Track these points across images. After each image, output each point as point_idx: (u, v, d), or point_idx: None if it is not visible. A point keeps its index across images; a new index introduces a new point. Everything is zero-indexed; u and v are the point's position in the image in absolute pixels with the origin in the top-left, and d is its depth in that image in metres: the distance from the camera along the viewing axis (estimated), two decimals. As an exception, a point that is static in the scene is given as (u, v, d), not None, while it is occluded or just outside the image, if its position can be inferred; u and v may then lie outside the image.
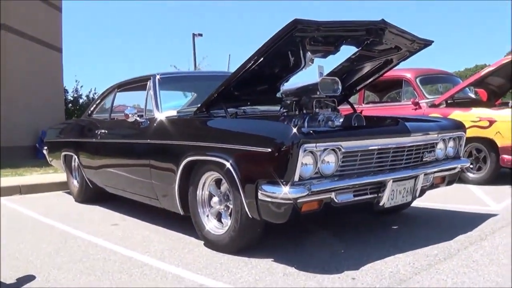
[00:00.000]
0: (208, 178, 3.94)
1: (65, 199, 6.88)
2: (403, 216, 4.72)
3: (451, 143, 4.36)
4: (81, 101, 19.48)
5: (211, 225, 3.93)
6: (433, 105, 7.32)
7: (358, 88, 5.20)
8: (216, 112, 4.34)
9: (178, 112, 4.68)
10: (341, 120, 4.09)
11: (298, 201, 3.19)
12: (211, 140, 3.77)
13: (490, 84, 7.74)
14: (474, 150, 6.66)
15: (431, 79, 8.37)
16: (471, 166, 6.64)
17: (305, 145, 3.15)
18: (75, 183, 6.67)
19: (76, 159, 6.33)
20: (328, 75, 4.79)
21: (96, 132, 5.69)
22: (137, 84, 5.56)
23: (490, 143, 6.41)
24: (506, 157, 6.20)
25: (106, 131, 5.55)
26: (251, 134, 3.52)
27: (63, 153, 6.70)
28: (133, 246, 4.15)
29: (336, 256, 3.61)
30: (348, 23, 3.79)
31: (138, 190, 4.96)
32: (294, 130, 3.19)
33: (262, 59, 3.85)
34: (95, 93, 20.01)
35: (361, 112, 5.03)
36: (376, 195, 3.67)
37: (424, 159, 4.05)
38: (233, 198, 3.61)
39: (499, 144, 6.25)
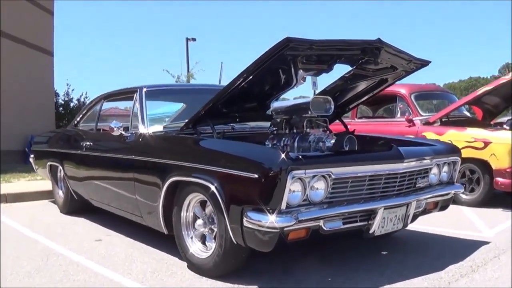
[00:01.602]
0: (193, 200, 3.81)
1: (50, 209, 6.74)
2: (393, 240, 4.60)
3: (445, 168, 4.26)
4: (72, 104, 19.25)
5: (195, 248, 3.80)
6: (427, 123, 7.23)
7: (351, 106, 5.10)
8: (203, 129, 4.22)
9: (164, 127, 4.55)
10: (332, 141, 3.98)
11: (285, 229, 3.07)
12: (196, 161, 3.64)
13: (486, 103, 7.67)
14: (467, 171, 6.55)
15: (426, 95, 8.29)
16: (464, 187, 6.53)
17: (294, 172, 3.03)
18: (60, 194, 6.54)
19: (62, 170, 6.19)
20: (320, 93, 4.70)
21: (82, 144, 5.57)
22: (124, 95, 5.45)
23: (484, 165, 6.31)
24: (500, 180, 6.10)
25: (92, 143, 5.42)
26: (237, 157, 3.39)
27: (49, 163, 6.57)
28: (115, 266, 4.02)
29: (322, 283, 3.49)
30: (342, 42, 3.68)
31: (123, 205, 4.84)
32: (282, 155, 3.07)
33: (251, 77, 3.74)
34: (86, 97, 19.81)
35: (353, 132, 4.96)
36: (366, 222, 3.55)
37: (417, 185, 3.94)
38: (217, 221, 3.49)
39: (494, 167, 6.16)
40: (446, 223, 5.21)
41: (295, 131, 4.29)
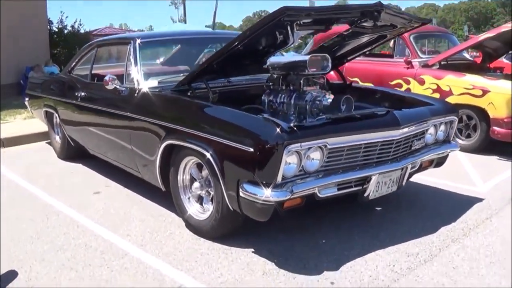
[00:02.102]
0: (189, 162, 3.83)
1: (47, 155, 6.73)
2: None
3: (442, 127, 4.25)
4: (66, 31, 18.79)
5: (193, 210, 3.87)
6: (426, 65, 7.14)
7: (349, 58, 5.01)
8: (198, 85, 4.15)
9: (159, 82, 4.47)
10: (330, 100, 3.94)
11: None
12: (191, 126, 3.62)
13: (487, 47, 7.53)
14: (464, 116, 6.53)
15: (427, 36, 8.13)
16: (460, 132, 6.57)
17: (290, 146, 3.03)
18: (57, 139, 6.55)
19: (57, 117, 6.16)
20: (317, 50, 4.62)
21: (76, 93, 5.50)
22: (117, 45, 5.33)
23: (481, 113, 6.28)
24: (497, 129, 6.11)
25: (86, 94, 5.36)
26: (233, 127, 3.35)
27: (44, 109, 6.53)
28: (114, 226, 4.09)
29: (316, 248, 3.58)
30: (341, 8, 3.56)
31: (119, 156, 4.88)
32: (278, 130, 3.06)
33: (248, 40, 3.64)
34: (80, 24, 19.37)
35: (350, 84, 4.91)
36: (361, 187, 3.59)
37: (413, 148, 3.95)
38: (214, 187, 3.53)
39: (491, 115, 6.14)
40: (441, 173, 5.20)
41: (291, 88, 4.24)
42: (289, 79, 4.21)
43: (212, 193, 3.66)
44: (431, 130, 4.13)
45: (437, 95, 6.66)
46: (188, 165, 3.85)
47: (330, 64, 4.05)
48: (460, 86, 6.42)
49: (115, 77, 4.66)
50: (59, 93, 6.11)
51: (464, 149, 6.49)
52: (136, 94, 4.43)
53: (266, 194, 3.05)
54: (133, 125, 4.35)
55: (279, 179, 3.06)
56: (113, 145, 4.86)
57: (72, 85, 5.78)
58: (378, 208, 4.38)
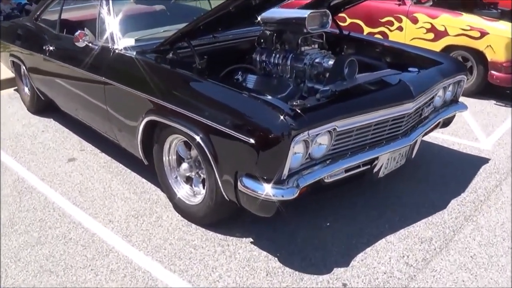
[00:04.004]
0: (175, 140, 3.41)
1: (16, 107, 6.12)
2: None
3: (450, 88, 3.88)
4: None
5: (183, 192, 3.49)
6: (419, 2, 6.63)
7: (346, 7, 4.51)
8: (180, 48, 3.64)
9: (136, 40, 3.92)
10: (330, 62, 3.51)
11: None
12: (177, 103, 3.14)
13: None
14: (460, 58, 6.12)
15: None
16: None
17: (298, 137, 2.63)
18: (26, 91, 5.98)
19: (25, 70, 5.57)
20: (315, 3, 4.11)
21: (44, 47, 4.88)
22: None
23: (478, 55, 5.89)
24: (495, 73, 5.75)
25: (55, 48, 4.76)
26: (229, 111, 2.90)
27: (11, 59, 5.89)
28: (95, 209, 3.71)
29: (321, 235, 3.27)
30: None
31: (92, 118, 4.41)
32: (282, 117, 2.63)
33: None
34: None
35: (348, 35, 4.44)
36: (369, 166, 3.25)
37: (422, 116, 3.58)
38: (206, 173, 3.14)
39: (489, 58, 5.76)
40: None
41: (286, 47, 3.79)
42: (285, 37, 3.77)
43: (203, 176, 3.28)
44: (440, 92, 3.76)
45: (431, 35, 6.22)
46: (174, 143, 3.43)
47: (330, 21, 3.61)
48: (456, 27, 5.97)
49: (86, 32, 4.09)
50: (25, 44, 5.44)
51: (460, 92, 6.15)
52: (111, 55, 3.89)
53: (269, 191, 2.67)
54: (109, 90, 3.85)
55: (285, 173, 2.68)
56: (85, 103, 4.35)
57: (39, 36, 5.15)
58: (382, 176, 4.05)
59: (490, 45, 5.68)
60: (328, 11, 3.62)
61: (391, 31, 6.65)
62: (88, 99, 4.25)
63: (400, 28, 6.55)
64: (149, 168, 3.73)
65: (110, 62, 3.87)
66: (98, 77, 3.92)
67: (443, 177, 4.01)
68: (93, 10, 4.38)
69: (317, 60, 3.58)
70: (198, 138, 2.99)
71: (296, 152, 2.71)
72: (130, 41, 3.91)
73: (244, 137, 2.70)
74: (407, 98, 3.19)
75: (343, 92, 3.07)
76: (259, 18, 3.81)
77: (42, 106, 5.71)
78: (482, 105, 5.85)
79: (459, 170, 4.15)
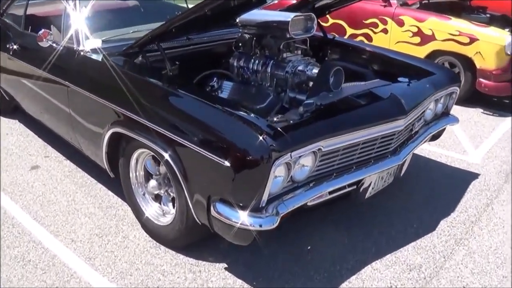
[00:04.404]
0: (142, 154, 3.10)
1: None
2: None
3: (441, 100, 3.63)
4: None
5: (151, 211, 3.19)
6: (405, 4, 6.38)
7: (331, 10, 4.23)
8: (150, 51, 3.33)
9: (104, 41, 3.58)
10: (315, 70, 3.23)
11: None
12: (143, 114, 2.83)
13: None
14: (447, 64, 5.91)
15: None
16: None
17: (279, 160, 2.34)
18: (-11, 88, 5.57)
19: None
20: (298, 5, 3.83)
21: (8, 45, 4.51)
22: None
23: (467, 62, 5.67)
24: (484, 81, 5.54)
25: (19, 47, 4.39)
26: (202, 128, 2.59)
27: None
28: (56, 225, 3.39)
29: (302, 259, 3.02)
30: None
31: (55, 123, 4.07)
32: (262, 137, 2.34)
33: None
34: None
35: (333, 38, 4.17)
36: (355, 186, 2.98)
37: (413, 131, 3.33)
38: (176, 192, 2.83)
39: (478, 66, 5.54)
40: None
41: (267, 53, 3.49)
42: (265, 42, 3.47)
43: (172, 194, 2.98)
44: (431, 105, 3.51)
45: (417, 39, 5.99)
46: (141, 157, 3.12)
47: (315, 25, 3.33)
48: (445, 31, 5.74)
49: (52, 31, 3.76)
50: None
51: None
52: (75, 57, 3.55)
53: (246, 220, 2.39)
54: (73, 93, 3.52)
55: (264, 199, 2.40)
56: (48, 105, 4.01)
57: (4, 33, 4.77)
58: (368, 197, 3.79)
59: (479, 52, 5.47)
60: (313, 14, 3.35)
61: (375, 33, 6.40)
62: (51, 101, 3.91)
63: (384, 31, 6.30)
64: (116, 180, 3.41)
65: (75, 65, 3.54)
66: (62, 81, 3.58)
67: (432, 194, 3.78)
68: (61, 5, 4.03)
69: (300, 68, 3.30)
70: (166, 156, 2.69)
71: (277, 175, 2.43)
72: (96, 42, 3.58)
73: (218, 158, 2.40)
74: (399, 114, 2.93)
75: (328, 106, 2.79)
76: (237, 20, 3.52)
77: (7, 107, 5.33)
78: (469, 113, 5.64)
79: (448, 186, 3.92)
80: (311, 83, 3.24)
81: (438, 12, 6.06)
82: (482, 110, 5.73)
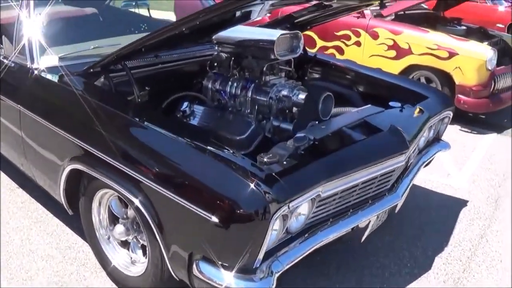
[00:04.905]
0: (107, 195, 2.69)
1: None
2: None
3: (434, 125, 3.36)
4: None
5: (119, 260, 2.78)
6: (379, 15, 6.12)
7: (313, 25, 3.92)
8: (115, 71, 2.92)
9: (61, 59, 3.13)
10: (301, 96, 2.88)
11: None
12: (107, 150, 2.42)
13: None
14: (423, 79, 5.70)
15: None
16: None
17: (277, 213, 1.98)
18: None
19: None
20: (280, 21, 3.50)
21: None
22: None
23: (445, 77, 5.46)
24: (463, 98, 5.34)
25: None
26: (179, 172, 2.21)
27: None
28: (11, 271, 2.94)
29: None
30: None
31: (7, 150, 3.58)
32: (252, 185, 1.98)
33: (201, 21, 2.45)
34: None
35: (315, 57, 3.85)
36: (350, 230, 2.65)
37: (408, 163, 3.03)
38: (148, 242, 2.45)
39: (457, 82, 5.34)
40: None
41: (247, 75, 3.11)
42: (245, 63, 3.09)
43: (143, 242, 2.59)
44: (426, 133, 3.23)
45: (392, 53, 5.75)
46: (105, 198, 2.71)
47: (301, 45, 3.00)
48: (422, 45, 5.53)
49: (1, 44, 3.30)
50: None
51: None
52: (28, 76, 3.10)
53: (237, 283, 2.02)
54: (26, 120, 3.07)
55: (259, 259, 2.04)
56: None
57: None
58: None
59: (459, 67, 5.26)
60: (300, 32, 3.02)
61: (347, 46, 6.14)
62: (1, 120, 3.43)
63: (357, 43, 6.04)
64: (75, 216, 2.99)
65: (28, 86, 3.09)
66: (14, 105, 3.13)
67: (422, 227, 3.51)
68: (15, 10, 3.54)
69: (284, 93, 2.94)
70: (136, 202, 2.30)
71: (273, 229, 2.07)
72: (52, 60, 3.14)
73: (202, 211, 2.03)
74: (402, 149, 2.63)
75: (323, 141, 2.46)
76: (213, 38, 3.14)
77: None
78: (447, 131, 5.39)
79: (438, 216, 3.67)
80: (296, 110, 2.90)
81: (412, 24, 5.84)
82: (460, 127, 5.55)
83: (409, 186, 2.94)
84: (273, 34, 2.88)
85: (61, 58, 3.12)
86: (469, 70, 5.22)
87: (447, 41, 5.38)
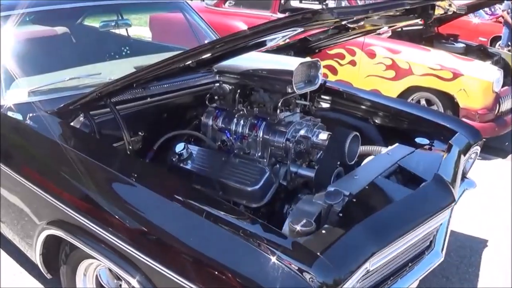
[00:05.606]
0: (93, 265, 2.18)
1: None
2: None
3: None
4: None
5: None
6: (378, 33, 5.74)
7: (322, 46, 3.49)
8: (98, 109, 2.44)
9: (31, 93, 2.60)
10: (323, 136, 2.43)
11: None
12: (94, 216, 1.94)
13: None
14: (423, 101, 5.33)
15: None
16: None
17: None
18: None
19: None
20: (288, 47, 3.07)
21: None
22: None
23: (448, 99, 5.09)
24: (468, 122, 4.94)
25: None
26: (191, 254, 1.71)
27: None
28: None
29: None
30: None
31: None
32: (289, 269, 1.51)
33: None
34: None
35: (325, 83, 3.39)
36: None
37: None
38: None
39: (462, 105, 4.97)
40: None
41: (256, 111, 2.62)
42: (254, 98, 2.62)
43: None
44: (457, 173, 2.81)
45: (391, 73, 5.37)
46: (92, 268, 2.20)
47: (320, 74, 2.55)
48: (424, 65, 5.15)
49: None
50: None
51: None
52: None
53: None
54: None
55: None
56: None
57: None
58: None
59: (463, 89, 4.90)
60: (319, 60, 2.57)
61: (341, 65, 5.73)
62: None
63: (352, 63, 5.65)
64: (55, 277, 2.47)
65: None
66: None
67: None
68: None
69: (302, 133, 2.49)
70: (134, 282, 1.81)
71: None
72: (21, 94, 2.63)
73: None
74: (451, 202, 2.20)
75: (361, 197, 2.01)
76: (213, 67, 2.67)
77: None
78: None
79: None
80: (318, 154, 2.46)
81: (410, 41, 5.49)
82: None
83: (447, 238, 2.50)
84: (290, 63, 2.43)
85: (31, 92, 2.60)
86: (474, 92, 4.86)
87: (450, 60, 5.02)
